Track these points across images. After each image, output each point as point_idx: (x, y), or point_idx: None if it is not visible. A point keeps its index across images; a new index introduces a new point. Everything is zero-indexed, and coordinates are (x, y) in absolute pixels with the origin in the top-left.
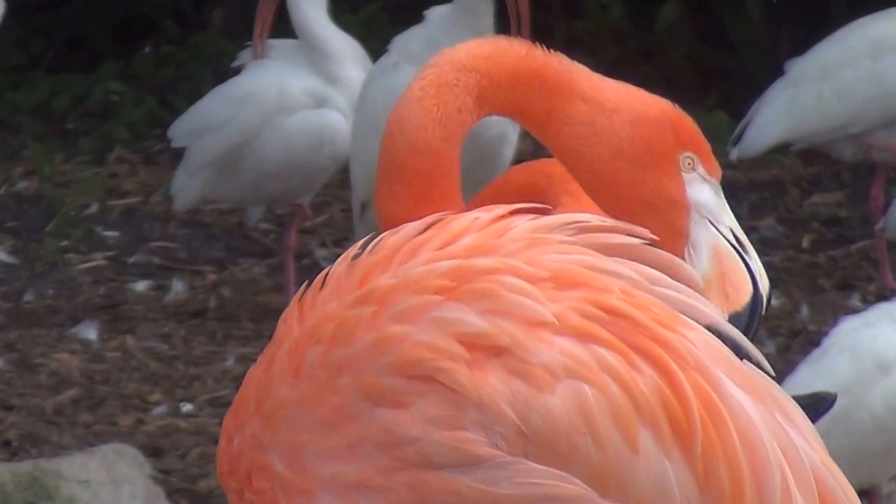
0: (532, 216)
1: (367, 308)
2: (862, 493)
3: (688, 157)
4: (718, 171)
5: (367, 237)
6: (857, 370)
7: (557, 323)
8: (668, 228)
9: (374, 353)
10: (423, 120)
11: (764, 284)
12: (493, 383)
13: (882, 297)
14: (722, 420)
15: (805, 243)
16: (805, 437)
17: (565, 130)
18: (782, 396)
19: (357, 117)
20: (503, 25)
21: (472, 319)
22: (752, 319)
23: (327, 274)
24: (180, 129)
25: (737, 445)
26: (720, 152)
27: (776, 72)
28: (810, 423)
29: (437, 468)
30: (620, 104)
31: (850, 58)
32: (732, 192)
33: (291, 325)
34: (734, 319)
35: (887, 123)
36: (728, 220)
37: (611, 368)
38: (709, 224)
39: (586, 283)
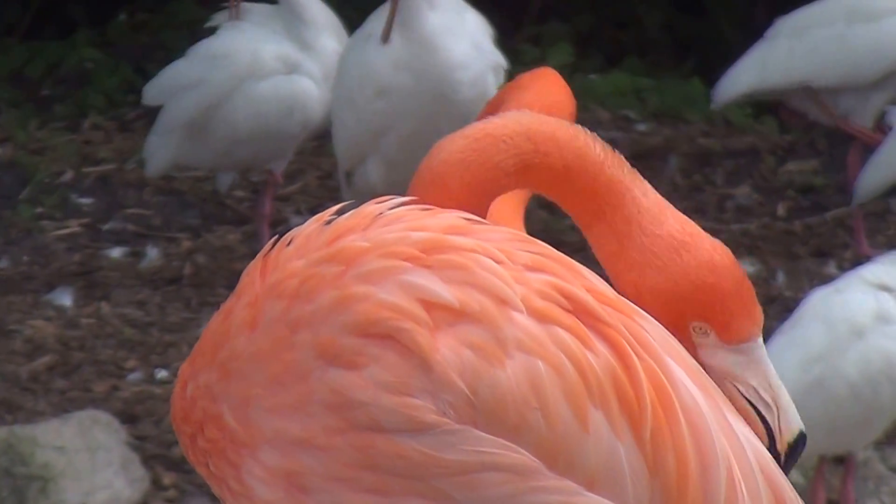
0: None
1: (334, 267)
2: (837, 461)
3: (698, 325)
4: (743, 335)
5: (343, 204)
6: (831, 337)
7: (521, 302)
8: None
9: (334, 311)
10: (454, 156)
11: (784, 441)
12: (444, 353)
13: (858, 263)
14: (672, 407)
15: (781, 211)
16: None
17: (595, 245)
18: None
19: (335, 89)
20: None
21: (438, 287)
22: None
23: (296, 233)
24: (154, 88)
25: (685, 433)
26: (695, 118)
27: (751, 38)
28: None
29: (385, 432)
30: (638, 263)
31: (825, 19)
32: (708, 159)
33: (254, 278)
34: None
35: (852, 87)
36: (753, 378)
37: (566, 348)
38: (726, 383)
39: (553, 271)
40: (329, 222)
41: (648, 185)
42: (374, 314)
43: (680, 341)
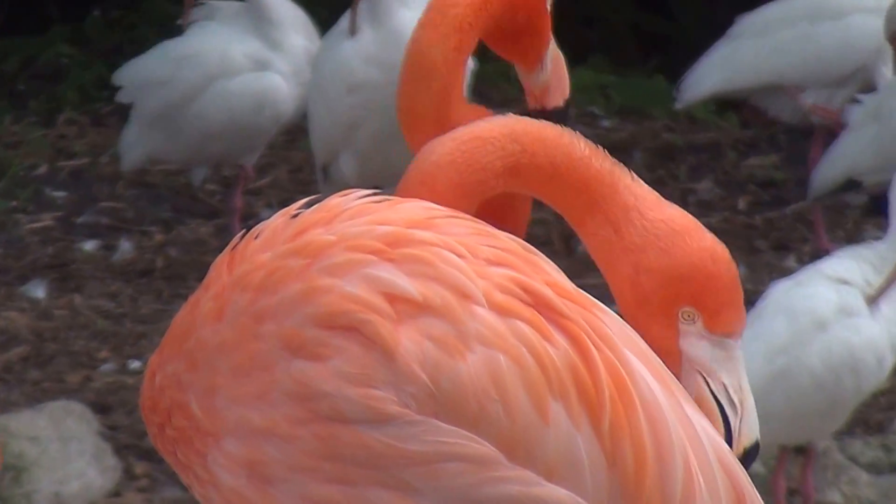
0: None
1: (300, 260)
2: (798, 451)
3: (687, 311)
4: (729, 327)
5: (309, 198)
6: (794, 329)
7: (482, 296)
8: (667, 365)
9: (299, 303)
10: (444, 158)
11: (740, 445)
12: (406, 345)
13: (817, 257)
14: (630, 399)
15: (742, 205)
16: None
17: (589, 241)
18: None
19: (311, 86)
20: None
21: (401, 281)
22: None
23: (263, 226)
24: (125, 80)
25: (643, 425)
26: (659, 114)
27: (715, 36)
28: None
29: (348, 422)
30: (639, 246)
31: (790, 18)
32: (671, 154)
33: (221, 270)
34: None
35: (819, 84)
36: (727, 376)
37: (526, 341)
38: (698, 376)
39: (514, 265)
40: (296, 216)
41: (638, 178)
42: (339, 306)
43: (665, 328)
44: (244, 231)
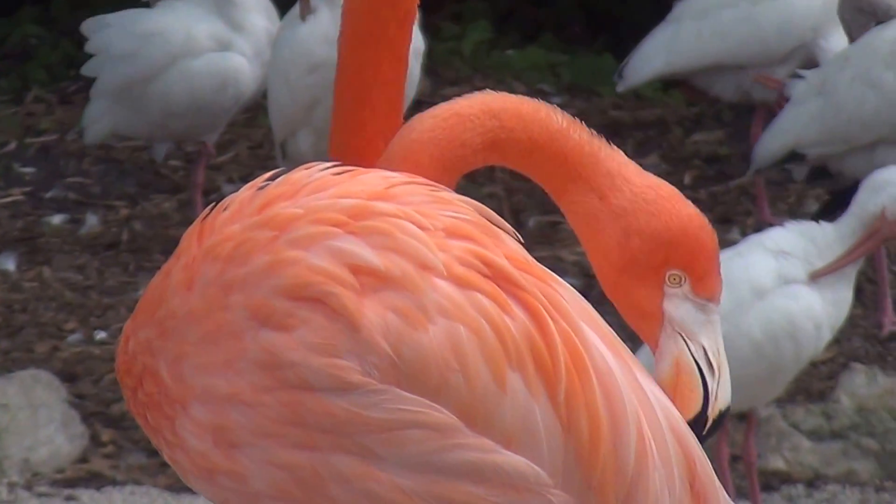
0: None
1: (267, 232)
2: (739, 418)
3: (675, 274)
4: (712, 291)
5: (275, 171)
6: (734, 298)
7: (443, 268)
8: (648, 332)
9: (266, 274)
10: (425, 135)
11: (716, 408)
12: (370, 316)
13: (760, 230)
14: (585, 369)
15: (687, 180)
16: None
17: (571, 209)
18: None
19: (271, 67)
20: None
21: (365, 253)
22: (701, 432)
23: (231, 199)
24: (93, 35)
25: (597, 394)
26: (606, 92)
27: (661, 16)
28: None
29: (313, 390)
30: (628, 210)
31: (730, 0)
32: (618, 130)
33: (191, 241)
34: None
35: (760, 64)
36: (706, 339)
37: (485, 313)
38: (679, 338)
39: (474, 238)
40: (262, 189)
41: (634, 166)
42: (305, 278)
43: (650, 289)
44: (213, 203)
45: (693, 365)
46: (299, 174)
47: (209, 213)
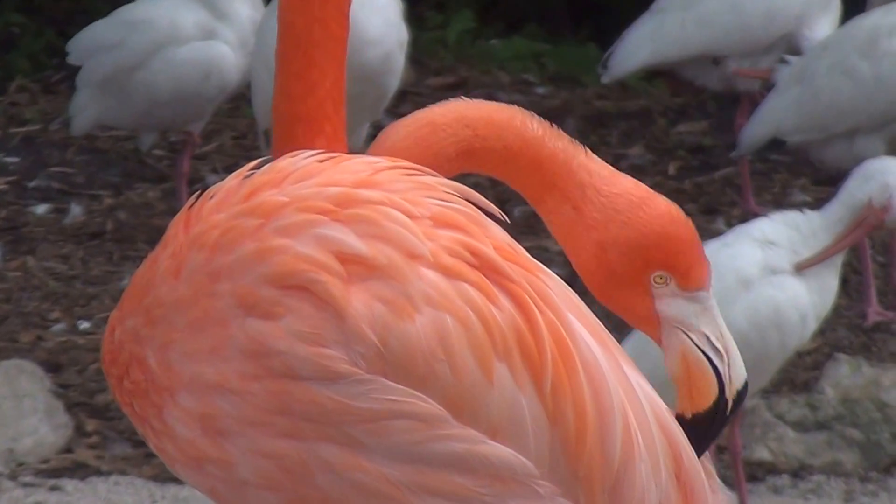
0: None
1: (253, 220)
2: None
3: (659, 275)
4: (700, 282)
5: (260, 160)
6: (720, 289)
7: (431, 257)
8: (647, 330)
9: (253, 262)
10: (398, 145)
11: (733, 389)
12: (356, 305)
13: (745, 220)
14: (572, 361)
15: (672, 170)
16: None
17: (549, 219)
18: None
19: (254, 55)
20: None
21: (351, 240)
22: (715, 421)
23: (217, 188)
24: (77, 46)
25: (583, 385)
26: (591, 82)
27: (645, 6)
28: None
29: (300, 379)
30: (600, 221)
31: None
32: (603, 121)
33: (178, 230)
34: (697, 418)
35: (745, 53)
36: (706, 326)
37: (473, 303)
38: (679, 332)
39: (462, 227)
40: (248, 177)
41: (591, 153)
42: (291, 266)
43: (638, 295)
44: (199, 192)
45: (699, 354)
46: (285, 162)
47: (195, 202)
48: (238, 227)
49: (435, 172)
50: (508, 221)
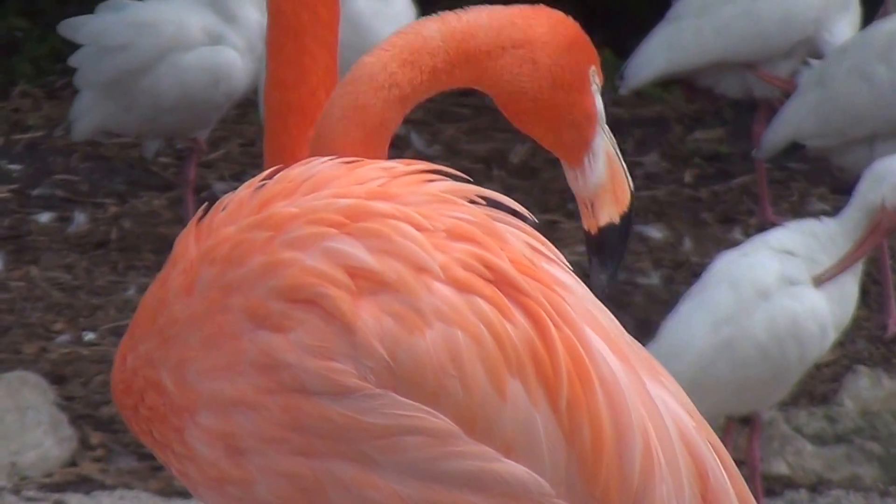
0: (451, 181)
1: (264, 232)
2: (743, 421)
3: (593, 70)
4: (600, 74)
5: (273, 169)
6: (738, 299)
7: (441, 271)
8: (581, 141)
9: (263, 276)
10: (339, 125)
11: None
12: (365, 319)
13: (762, 230)
14: (588, 377)
15: (688, 178)
16: (677, 400)
17: (505, 78)
18: (653, 363)
19: (264, 60)
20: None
21: (361, 254)
22: (632, 220)
23: (229, 199)
24: (76, 35)
25: (601, 402)
26: (607, 89)
27: (661, 11)
28: (680, 389)
29: (310, 394)
30: (546, 36)
31: None
32: (618, 128)
33: (188, 244)
34: (625, 219)
35: (762, 59)
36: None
37: (485, 318)
38: (603, 132)
39: (476, 239)
40: (260, 187)
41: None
42: (300, 280)
43: (586, 95)
44: (207, 204)
45: (617, 151)
46: (298, 170)
47: (204, 215)
48: (249, 240)
49: (458, 172)
50: (537, 222)
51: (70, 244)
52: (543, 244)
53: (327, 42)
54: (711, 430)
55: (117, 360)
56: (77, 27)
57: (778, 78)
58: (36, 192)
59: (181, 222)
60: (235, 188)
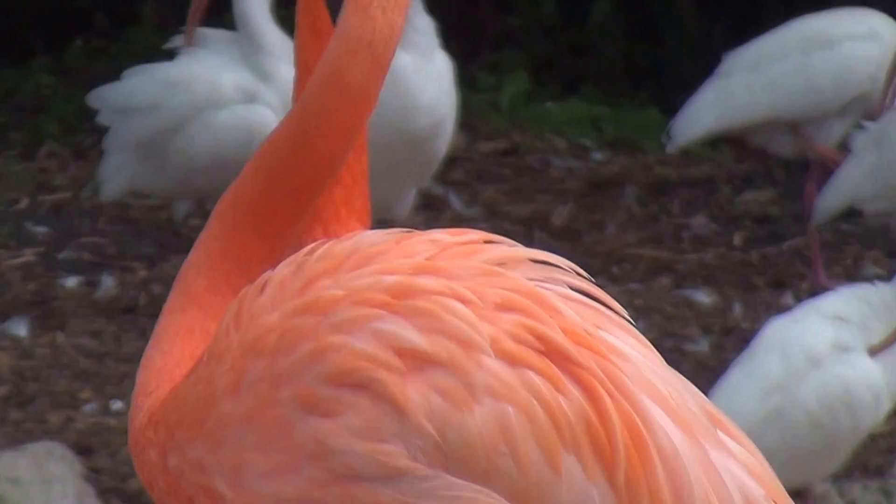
0: (502, 247)
1: (310, 318)
2: (794, 495)
3: None
4: None
5: (316, 244)
6: (788, 367)
7: (490, 345)
8: None
9: (312, 362)
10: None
11: None
12: (413, 397)
13: (814, 294)
14: (647, 450)
15: (738, 240)
16: (746, 468)
17: None
18: (726, 424)
19: None
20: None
21: (410, 335)
22: None
23: (268, 278)
24: (105, 102)
25: (660, 476)
26: (652, 147)
27: (709, 67)
28: (756, 450)
29: (362, 480)
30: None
31: (781, 51)
32: (665, 188)
33: (229, 332)
34: None
35: (814, 119)
36: None
37: (537, 392)
38: None
39: (526, 310)
40: (302, 264)
41: None
42: (349, 364)
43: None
44: (247, 289)
45: None
46: (342, 246)
47: (244, 296)
48: (295, 327)
49: (508, 240)
50: (594, 281)
51: (97, 309)
52: (604, 302)
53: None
54: (787, 496)
55: (151, 453)
56: (105, 96)
57: (829, 150)
58: (62, 255)
59: None
60: None
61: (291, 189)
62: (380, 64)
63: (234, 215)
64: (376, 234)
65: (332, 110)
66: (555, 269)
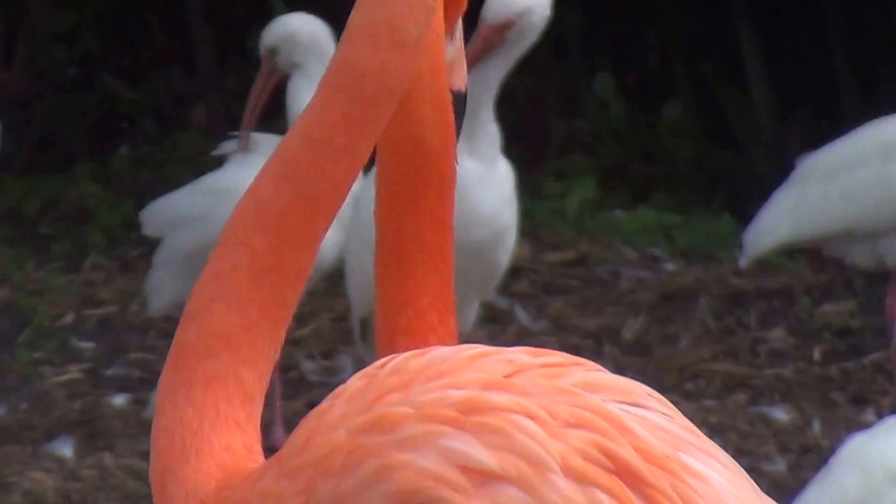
0: (580, 372)
1: (376, 436)
2: None
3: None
4: None
5: (388, 357)
6: (867, 485)
7: (559, 462)
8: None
9: (377, 481)
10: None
11: None
12: None
13: None
14: None
15: (816, 355)
16: None
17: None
18: None
19: (351, 230)
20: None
21: (478, 453)
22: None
23: (340, 392)
24: (154, 217)
25: None
26: (726, 257)
27: (784, 171)
28: None
29: None
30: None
31: (859, 158)
32: (740, 300)
33: (303, 449)
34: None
35: (893, 231)
36: None
37: None
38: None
39: (598, 429)
40: (373, 379)
41: None
42: (414, 483)
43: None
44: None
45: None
46: (416, 361)
47: (318, 410)
48: (362, 446)
49: (591, 363)
50: (669, 411)
51: (146, 429)
52: (686, 429)
53: (437, 269)
54: None
55: None
56: (155, 209)
57: None
58: (109, 372)
59: (267, 404)
60: (326, 367)
61: (341, 173)
62: (429, 20)
63: (262, 235)
64: (451, 350)
65: (389, 69)
66: (640, 396)
